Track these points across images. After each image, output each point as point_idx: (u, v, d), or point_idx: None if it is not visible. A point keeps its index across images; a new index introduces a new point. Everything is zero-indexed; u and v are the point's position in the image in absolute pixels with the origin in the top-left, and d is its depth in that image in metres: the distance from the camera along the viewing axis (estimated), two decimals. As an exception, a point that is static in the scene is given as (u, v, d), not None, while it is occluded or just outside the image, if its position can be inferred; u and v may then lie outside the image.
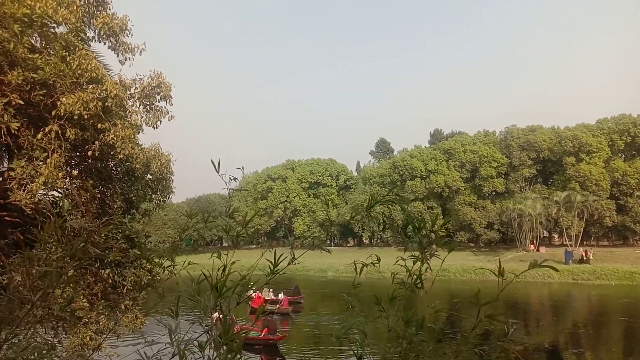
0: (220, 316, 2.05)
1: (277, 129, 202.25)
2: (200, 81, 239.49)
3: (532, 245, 56.79)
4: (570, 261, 47.93)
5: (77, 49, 8.55)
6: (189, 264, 2.63)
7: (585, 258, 48.32)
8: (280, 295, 33.81)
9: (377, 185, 75.42)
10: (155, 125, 10.18)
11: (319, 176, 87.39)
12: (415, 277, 2.20)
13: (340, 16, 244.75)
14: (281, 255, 2.31)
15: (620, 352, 19.91)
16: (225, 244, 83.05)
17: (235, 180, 2.63)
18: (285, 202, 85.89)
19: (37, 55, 7.83)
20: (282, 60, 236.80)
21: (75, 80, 8.19)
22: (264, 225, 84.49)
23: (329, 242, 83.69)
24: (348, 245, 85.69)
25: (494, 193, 67.16)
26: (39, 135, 7.93)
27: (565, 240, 57.67)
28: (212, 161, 2.50)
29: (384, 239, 73.87)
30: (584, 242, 59.04)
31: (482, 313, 2.01)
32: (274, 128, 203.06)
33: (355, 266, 2.40)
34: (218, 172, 2.52)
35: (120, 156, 8.93)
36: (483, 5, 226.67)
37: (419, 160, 70.61)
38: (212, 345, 1.99)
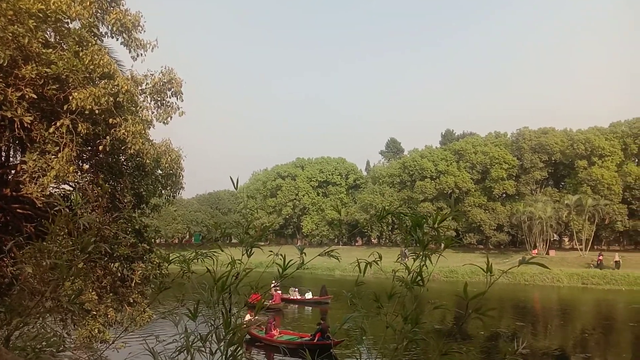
0: (223, 312, 2.08)
1: (288, 128, 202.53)
2: (212, 78, 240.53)
3: (534, 250, 56.29)
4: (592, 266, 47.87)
5: (90, 44, 8.64)
6: (196, 254, 2.66)
7: (601, 263, 47.86)
8: (307, 295, 33.74)
9: (386, 185, 75.25)
10: (166, 121, 10.27)
11: (329, 175, 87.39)
12: (414, 274, 2.23)
13: (350, 15, 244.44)
14: (290, 260, 2.34)
15: (629, 358, 19.70)
16: (234, 240, 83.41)
17: (252, 198, 2.73)
18: (294, 200, 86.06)
19: (50, 50, 7.93)
20: (293, 59, 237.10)
21: (87, 75, 8.28)
22: (272, 223, 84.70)
23: (336, 241, 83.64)
24: (356, 244, 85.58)
25: (504, 195, 66.69)
26: (51, 129, 8.03)
27: (576, 244, 57.15)
28: (230, 178, 2.62)
29: (393, 238, 73.72)
30: (595, 247, 58.41)
31: (470, 307, 2.03)
32: (284, 126, 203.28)
33: (359, 265, 2.42)
34: (236, 188, 2.67)
35: (131, 151, 9.01)
36: (495, 5, 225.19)
37: (430, 161, 70.25)
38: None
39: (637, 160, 61.09)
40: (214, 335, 2.05)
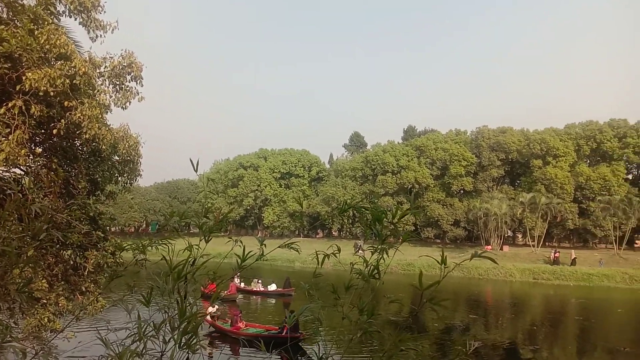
0: (178, 301, 2.04)
1: (251, 118, 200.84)
2: (175, 66, 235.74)
3: (488, 246, 58.04)
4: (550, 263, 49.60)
5: (46, 22, 8.29)
6: (149, 242, 2.59)
7: (558, 260, 49.66)
8: (271, 287, 33.56)
9: (348, 179, 75.82)
10: (124, 106, 9.98)
11: (292, 166, 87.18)
12: (372, 267, 2.24)
13: (325, 10, 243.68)
14: (250, 252, 2.31)
15: (574, 350, 20.62)
16: (192, 230, 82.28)
17: (213, 182, 2.68)
18: (256, 191, 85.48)
19: (2, 26, 7.55)
20: (261, 50, 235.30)
21: (42, 55, 7.94)
22: (233, 213, 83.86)
23: (297, 233, 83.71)
24: (317, 236, 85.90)
25: (462, 191, 68.41)
26: (2, 110, 7.67)
27: (529, 241, 59.23)
28: (190, 160, 2.58)
29: (353, 231, 74.46)
30: (547, 243, 60.77)
31: (425, 297, 2.07)
32: (247, 117, 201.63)
33: (317, 256, 2.43)
34: (196, 171, 2.65)
35: (87, 136, 8.71)
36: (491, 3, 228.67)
37: (391, 156, 71.18)
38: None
39: (588, 162, 63.75)
40: (167, 324, 2.01)
